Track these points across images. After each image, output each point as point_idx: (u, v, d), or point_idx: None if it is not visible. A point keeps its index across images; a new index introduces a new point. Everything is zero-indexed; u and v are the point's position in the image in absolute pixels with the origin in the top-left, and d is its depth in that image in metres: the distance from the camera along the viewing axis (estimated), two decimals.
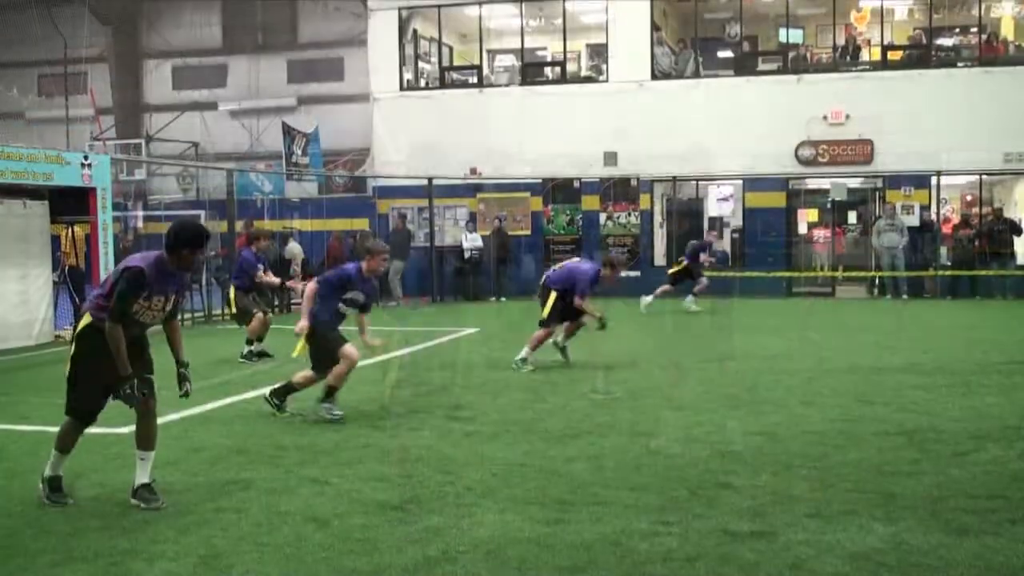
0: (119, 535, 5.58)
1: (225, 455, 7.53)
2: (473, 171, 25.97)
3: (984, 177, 24.54)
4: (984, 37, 25.16)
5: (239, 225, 20.70)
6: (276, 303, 21.45)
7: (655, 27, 25.93)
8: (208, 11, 38.69)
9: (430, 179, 25.07)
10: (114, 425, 8.66)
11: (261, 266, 13.72)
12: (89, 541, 5.49)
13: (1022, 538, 5.33)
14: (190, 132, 37.00)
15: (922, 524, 5.59)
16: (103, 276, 15.93)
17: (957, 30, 26.81)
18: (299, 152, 27.38)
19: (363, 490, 6.45)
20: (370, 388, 10.66)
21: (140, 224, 30.30)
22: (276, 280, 14.31)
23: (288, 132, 27.26)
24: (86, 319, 6.27)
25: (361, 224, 25.88)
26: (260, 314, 13.34)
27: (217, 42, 38.93)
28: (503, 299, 24.18)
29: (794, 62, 25.68)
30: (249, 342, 13.28)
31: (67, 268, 17.55)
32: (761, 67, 25.90)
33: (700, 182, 26.01)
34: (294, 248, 23.07)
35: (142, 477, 6.22)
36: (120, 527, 5.72)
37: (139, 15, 39.33)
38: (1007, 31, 26.15)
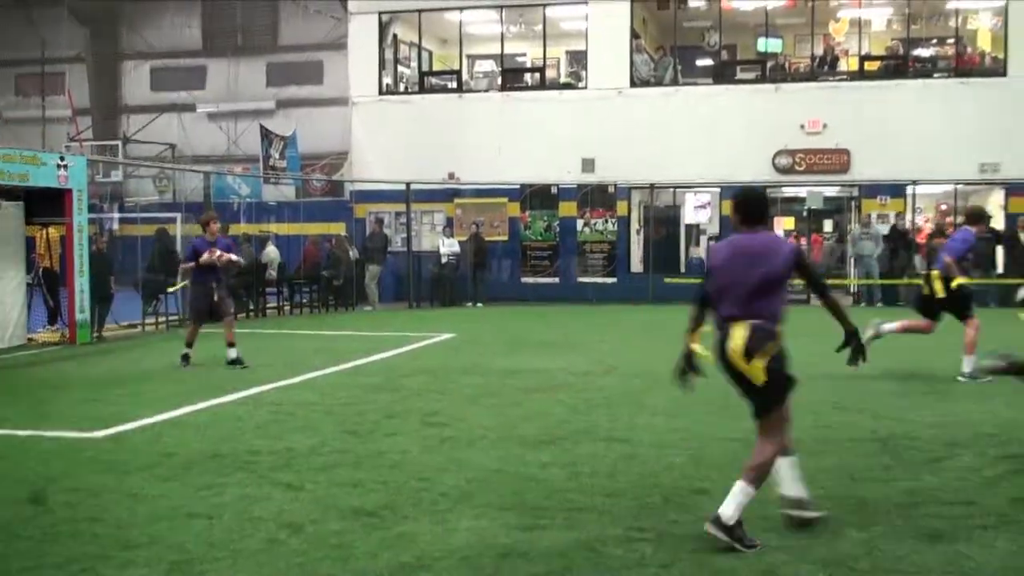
0: (90, 541, 5.54)
1: (198, 460, 7.49)
2: (451, 176, 25.96)
3: (959, 187, 24.71)
4: (960, 49, 25.36)
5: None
6: (252, 307, 21.40)
7: (634, 35, 26.00)
8: (188, 13, 38.61)
9: (408, 184, 25.04)
10: (86, 430, 8.63)
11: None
12: (60, 547, 5.44)
13: (994, 544, 5.36)
14: (167, 134, 36.91)
15: (895, 530, 5.61)
16: (77, 279, 15.86)
17: (934, 41, 27.02)
18: (277, 155, 27.33)
19: (338, 496, 6.43)
20: (345, 393, 10.64)
21: (116, 226, 30.16)
22: (227, 256, 13.25)
23: (266, 135, 27.21)
24: None
25: (338, 228, 25.83)
26: (194, 326, 13.07)
27: (196, 44, 38.84)
28: (479, 305, 24.17)
29: (772, 71, 25.81)
30: (188, 345, 12.96)
31: (41, 270, 17.40)
32: (739, 76, 26.02)
33: (677, 189, 26.08)
34: (271, 252, 22.99)
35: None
36: (91, 533, 5.68)
37: (118, 16, 39.18)
38: (983, 43, 26.36)
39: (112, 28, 39.33)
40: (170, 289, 18.95)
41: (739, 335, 5.51)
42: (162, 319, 19.01)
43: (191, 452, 7.75)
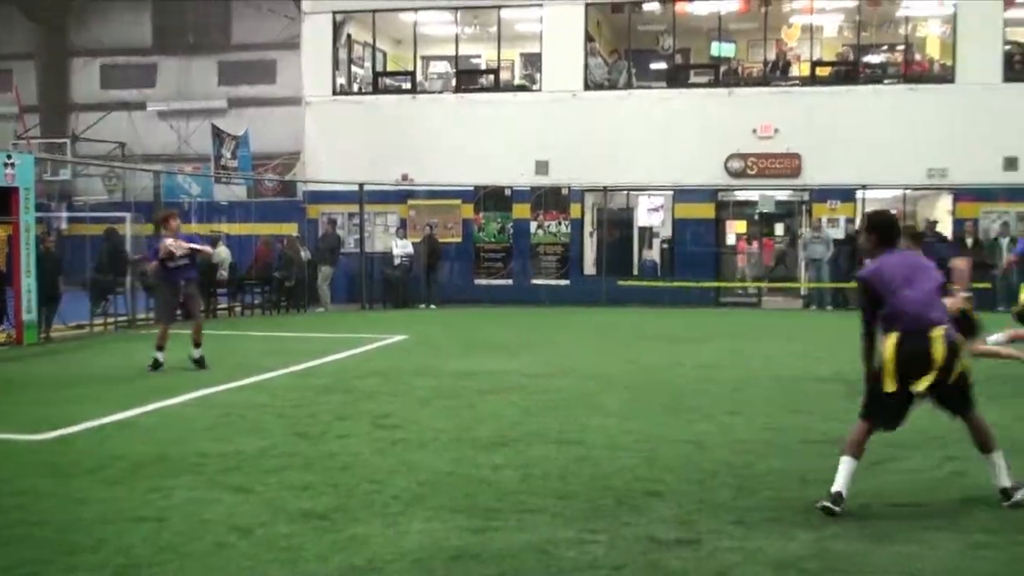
0: (35, 545, 5.44)
1: (146, 463, 7.39)
2: (404, 177, 25.87)
3: (908, 192, 25.03)
4: (910, 55, 25.70)
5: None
6: (202, 308, 21.18)
7: (589, 38, 26.08)
8: (139, 10, 38.21)
9: (361, 185, 24.94)
10: (31, 432, 8.50)
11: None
12: (4, 551, 5.35)
13: (940, 545, 5.42)
14: (117, 132, 36.49)
15: (844, 531, 5.66)
16: (24, 279, 15.61)
17: (884, 48, 27.34)
18: (228, 155, 27.10)
19: (288, 498, 6.37)
20: (296, 395, 10.56)
21: (64, 225, 29.78)
22: (192, 246, 12.90)
23: (217, 134, 26.98)
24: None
25: (290, 229, 25.65)
26: (164, 327, 12.71)
27: (147, 42, 38.45)
28: (432, 306, 24.11)
29: (725, 76, 25.98)
30: (159, 349, 12.48)
31: None
32: (693, 80, 26.16)
33: (631, 192, 26.19)
34: (222, 252, 22.78)
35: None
36: (36, 537, 5.58)
37: (68, 13, 38.66)
38: (932, 50, 26.73)
39: (61, 25, 38.83)
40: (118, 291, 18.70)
41: (940, 340, 5.97)
42: (111, 320, 18.77)
43: (138, 455, 7.64)
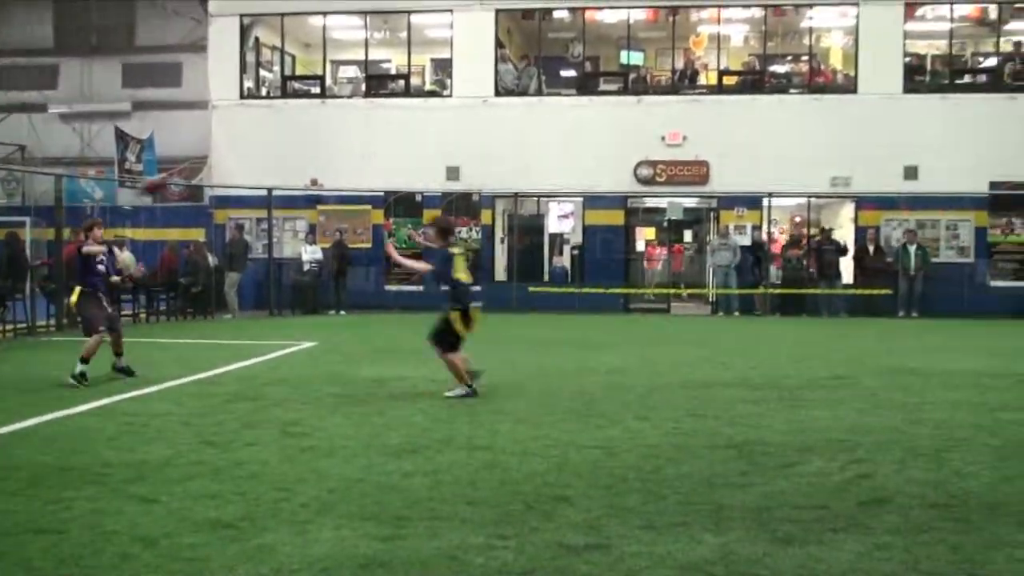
0: None
1: (46, 473, 7.19)
2: (314, 182, 25.65)
3: (812, 200, 25.57)
4: (814, 66, 26.27)
5: (67, 233, 19.84)
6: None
7: (499, 44, 26.16)
8: (40, 9, 37.22)
9: (269, 190, 24.66)
10: None
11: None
12: None
13: (843, 547, 5.53)
14: (17, 134, 35.48)
15: (750, 534, 5.74)
16: None
17: (789, 58, 27.92)
18: (133, 158, 26.59)
19: (194, 508, 6.26)
20: (203, 403, 10.39)
21: None
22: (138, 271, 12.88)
23: (121, 137, 26.47)
24: None
25: (197, 234, 25.24)
26: (99, 335, 12.26)
27: (48, 42, 37.45)
28: (342, 313, 23.94)
29: (634, 84, 26.28)
30: (84, 360, 11.86)
31: None
32: (603, 87, 26.43)
33: (541, 198, 26.31)
34: (127, 258, 22.30)
35: None
36: None
37: None
38: (835, 61, 27.36)
39: None
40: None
41: None
42: (9, 327, 18.26)
43: (38, 465, 7.44)
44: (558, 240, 26.93)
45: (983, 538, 5.70)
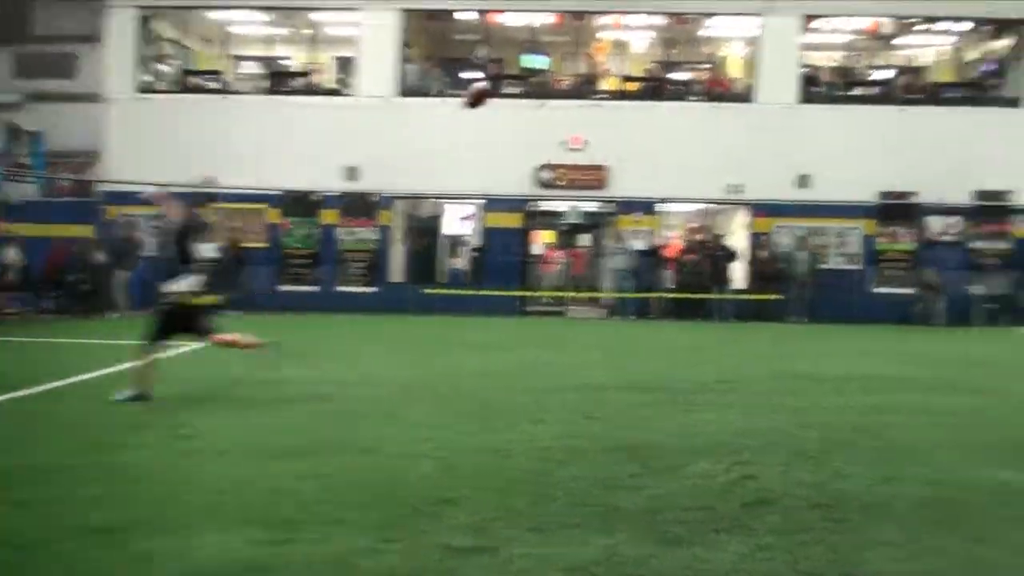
0: None
1: None
2: (207, 179, 25.19)
3: (708, 206, 26.01)
4: (713, 74, 26.74)
5: None
6: None
7: (406, 44, 26.04)
8: None
9: (164, 186, 24.11)
10: None
11: None
12: None
13: (727, 548, 5.62)
14: None
15: (637, 535, 5.80)
16: None
17: (689, 66, 28.36)
18: (24, 152, 25.84)
19: (74, 513, 6.09)
20: (88, 405, 10.14)
21: None
22: None
23: (14, 131, 25.69)
24: None
25: (86, 231, 24.57)
26: None
27: None
28: (237, 313, 23.56)
29: (537, 87, 26.40)
30: None
31: None
32: (506, 90, 26.48)
33: (440, 200, 26.27)
34: (12, 254, 21.67)
35: None
36: None
37: None
38: (734, 69, 27.88)
39: None
40: None
41: None
42: None
43: None
44: (456, 242, 26.92)
45: (860, 538, 5.86)
